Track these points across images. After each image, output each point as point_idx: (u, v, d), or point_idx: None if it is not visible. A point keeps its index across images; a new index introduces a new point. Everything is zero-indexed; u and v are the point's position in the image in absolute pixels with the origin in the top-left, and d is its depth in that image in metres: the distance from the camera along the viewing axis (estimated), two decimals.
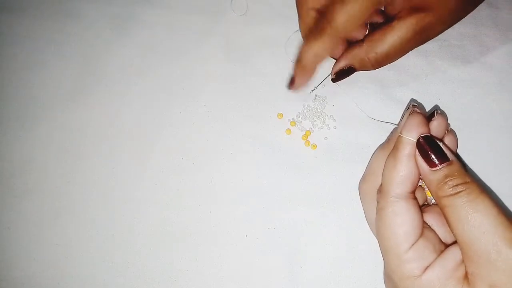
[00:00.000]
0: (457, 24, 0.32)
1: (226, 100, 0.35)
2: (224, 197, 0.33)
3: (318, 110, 0.34)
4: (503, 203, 0.32)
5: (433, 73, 0.35)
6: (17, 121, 0.34)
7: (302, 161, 0.33)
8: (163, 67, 0.36)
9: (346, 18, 0.29)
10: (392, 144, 0.27)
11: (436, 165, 0.25)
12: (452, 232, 0.24)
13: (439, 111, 0.28)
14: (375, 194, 0.27)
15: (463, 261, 0.24)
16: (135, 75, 0.35)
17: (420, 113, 0.27)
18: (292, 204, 0.33)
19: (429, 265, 0.25)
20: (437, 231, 0.27)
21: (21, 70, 0.36)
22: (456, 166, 0.25)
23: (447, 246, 0.26)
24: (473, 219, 0.23)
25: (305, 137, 0.34)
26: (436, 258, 0.25)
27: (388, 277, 0.27)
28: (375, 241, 0.31)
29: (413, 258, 0.25)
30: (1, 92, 0.35)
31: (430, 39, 0.32)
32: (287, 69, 0.35)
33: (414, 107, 0.27)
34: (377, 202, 0.27)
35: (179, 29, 0.36)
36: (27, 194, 0.33)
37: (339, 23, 0.29)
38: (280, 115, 0.34)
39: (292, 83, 0.33)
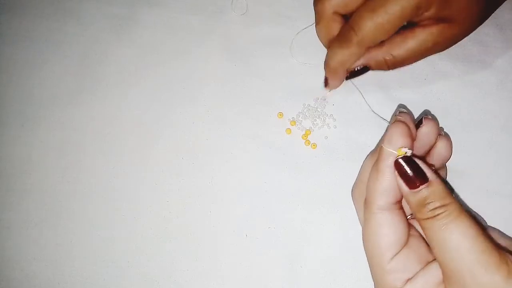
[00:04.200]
0: None
1: (226, 100, 0.35)
2: (224, 197, 0.33)
3: (318, 109, 0.34)
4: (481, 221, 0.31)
5: (433, 73, 0.35)
6: (17, 121, 0.34)
7: (302, 160, 0.33)
8: (163, 67, 0.36)
9: (374, 29, 0.28)
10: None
11: (415, 187, 0.24)
12: (433, 253, 0.24)
13: (429, 117, 0.27)
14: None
15: (443, 281, 0.24)
16: (135, 75, 0.35)
17: (403, 122, 0.25)
18: (292, 204, 0.33)
19: (412, 277, 0.24)
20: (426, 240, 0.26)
21: (21, 69, 0.36)
22: (435, 186, 0.24)
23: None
24: (450, 242, 0.23)
25: (305, 136, 0.34)
26: (419, 271, 0.25)
27: (374, 285, 0.27)
28: None
29: (395, 269, 0.25)
30: (0, 92, 0.35)
31: (448, 48, 0.32)
32: (287, 69, 0.35)
33: (398, 116, 0.26)
34: (364, 212, 0.26)
35: (179, 29, 0.36)
36: (27, 194, 0.33)
37: (367, 34, 0.28)
38: (280, 114, 0.34)
39: (326, 84, 0.33)
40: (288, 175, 0.33)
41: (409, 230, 0.26)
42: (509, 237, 0.27)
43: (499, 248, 0.23)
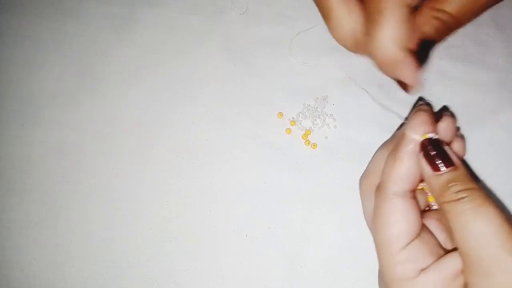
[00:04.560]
0: None
1: (226, 100, 0.35)
2: (224, 197, 0.33)
3: (318, 109, 0.34)
4: (505, 207, 0.32)
5: (433, 73, 0.35)
6: (17, 121, 0.34)
7: (302, 160, 0.33)
8: (163, 67, 0.36)
9: None
10: (395, 141, 0.26)
11: (439, 169, 0.24)
12: (454, 239, 0.23)
13: (447, 113, 0.26)
14: (374, 191, 0.27)
15: (463, 270, 0.23)
16: (134, 75, 0.35)
17: (427, 111, 0.25)
18: (292, 204, 0.33)
19: (425, 268, 0.24)
20: (437, 237, 0.26)
21: (20, 69, 0.36)
22: (460, 171, 0.24)
23: (447, 252, 0.25)
24: (474, 227, 0.22)
25: (305, 136, 0.34)
26: (433, 262, 0.24)
27: (381, 278, 0.26)
28: None
29: (407, 259, 0.24)
30: (0, 92, 0.35)
31: None
32: (287, 69, 0.35)
33: (421, 105, 0.26)
34: (375, 199, 0.26)
35: (179, 29, 0.36)
36: (27, 194, 0.33)
37: None
38: (280, 114, 0.34)
39: (406, 86, 0.26)
40: (288, 175, 0.33)
41: (421, 222, 0.25)
42: None
43: None
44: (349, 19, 0.25)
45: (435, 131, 0.25)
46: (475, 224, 0.22)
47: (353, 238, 0.32)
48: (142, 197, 0.33)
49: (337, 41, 0.26)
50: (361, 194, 0.29)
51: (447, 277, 0.23)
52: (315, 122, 0.34)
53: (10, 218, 0.33)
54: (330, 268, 0.32)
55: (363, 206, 0.28)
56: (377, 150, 0.29)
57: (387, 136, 0.33)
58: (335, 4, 0.25)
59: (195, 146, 0.34)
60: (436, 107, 0.34)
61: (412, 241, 0.24)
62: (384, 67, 0.25)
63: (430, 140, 0.25)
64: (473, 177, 0.24)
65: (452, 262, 0.24)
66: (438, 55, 0.35)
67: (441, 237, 0.26)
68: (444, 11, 0.25)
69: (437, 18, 0.25)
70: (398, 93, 0.35)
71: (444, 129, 0.26)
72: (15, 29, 0.36)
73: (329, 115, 0.34)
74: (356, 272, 0.31)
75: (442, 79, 0.35)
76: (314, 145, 0.34)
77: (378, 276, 0.27)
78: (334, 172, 0.33)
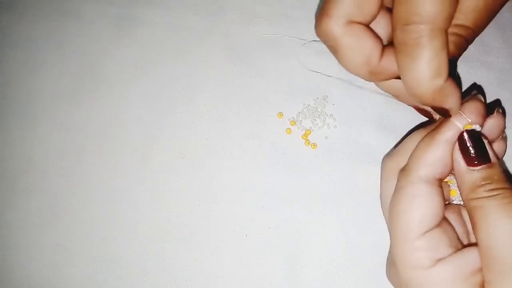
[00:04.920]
0: None
1: (226, 100, 0.35)
2: (224, 196, 0.33)
3: (318, 109, 0.34)
4: None
5: None
6: (17, 120, 0.34)
7: (302, 160, 0.33)
8: (163, 67, 0.36)
9: None
10: (434, 127, 0.24)
11: (475, 165, 0.22)
12: (476, 237, 0.22)
13: (500, 110, 0.24)
14: (397, 173, 0.25)
15: (482, 268, 0.22)
16: (135, 75, 0.35)
17: (481, 101, 0.24)
18: (292, 204, 0.33)
19: (443, 258, 0.22)
20: (457, 230, 0.25)
21: (20, 69, 0.36)
22: (497, 170, 0.23)
23: (464, 247, 0.24)
24: (501, 224, 0.21)
25: (305, 136, 0.34)
26: (451, 254, 0.23)
27: (392, 264, 0.25)
28: (375, 241, 0.31)
29: (424, 246, 0.23)
30: (0, 92, 0.35)
31: None
32: (287, 69, 0.35)
33: (476, 94, 0.24)
34: (398, 180, 0.24)
35: (179, 29, 0.36)
36: (27, 193, 0.33)
37: (435, 8, 0.21)
38: (280, 114, 0.34)
39: (448, 113, 0.24)
40: (288, 175, 0.33)
41: (444, 212, 0.24)
42: None
43: None
44: (359, 49, 0.24)
45: (482, 124, 0.23)
46: (503, 221, 0.21)
47: (353, 238, 0.32)
48: (142, 197, 0.33)
49: (350, 72, 0.25)
50: (382, 174, 0.27)
51: (465, 272, 0.22)
52: (315, 122, 0.34)
53: (10, 218, 0.33)
54: (330, 268, 0.32)
55: (382, 187, 0.27)
56: (412, 133, 0.26)
57: (387, 136, 0.33)
58: (341, 35, 0.24)
59: (195, 146, 0.34)
60: None
61: (432, 229, 0.23)
62: (425, 100, 0.23)
63: (470, 132, 0.23)
64: (507, 177, 0.23)
65: (472, 258, 0.22)
66: None
67: (460, 231, 0.25)
68: (462, 26, 0.24)
69: (456, 34, 0.24)
70: None
71: (491, 126, 0.24)
72: (15, 29, 0.36)
73: (329, 115, 0.34)
74: (356, 272, 0.31)
75: None
76: (314, 145, 0.34)
77: (387, 263, 0.26)
78: (334, 172, 0.33)
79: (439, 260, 0.22)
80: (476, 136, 0.23)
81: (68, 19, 0.37)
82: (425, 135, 0.24)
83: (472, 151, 0.23)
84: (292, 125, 0.34)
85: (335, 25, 0.24)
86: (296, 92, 0.35)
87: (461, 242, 0.24)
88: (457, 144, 0.23)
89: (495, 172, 0.23)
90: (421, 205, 0.23)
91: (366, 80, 0.26)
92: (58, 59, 0.36)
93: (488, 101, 0.34)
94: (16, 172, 0.33)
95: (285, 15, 0.36)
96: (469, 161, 0.23)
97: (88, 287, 0.31)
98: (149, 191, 0.33)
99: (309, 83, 0.35)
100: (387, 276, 0.26)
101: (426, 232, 0.23)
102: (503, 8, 0.36)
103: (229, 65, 0.36)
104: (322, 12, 0.24)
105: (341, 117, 0.34)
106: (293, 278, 0.31)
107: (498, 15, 0.36)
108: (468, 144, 0.23)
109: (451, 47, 0.24)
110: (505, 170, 0.23)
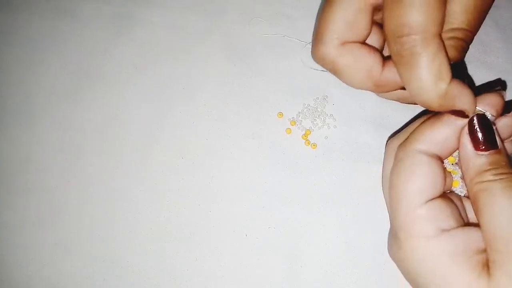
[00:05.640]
0: None
1: (226, 100, 0.35)
2: (224, 196, 0.33)
3: (318, 109, 0.34)
4: None
5: None
6: (16, 120, 0.34)
7: (302, 160, 0.33)
8: (162, 67, 0.36)
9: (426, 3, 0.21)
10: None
11: (482, 149, 0.22)
12: (480, 220, 0.22)
13: None
14: None
15: (485, 250, 0.22)
16: (134, 75, 0.35)
17: (501, 97, 0.24)
18: (292, 204, 0.33)
19: (448, 229, 0.22)
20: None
21: (19, 68, 0.35)
22: (503, 156, 0.23)
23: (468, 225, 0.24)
24: (506, 205, 0.21)
25: (305, 136, 0.34)
26: (457, 228, 0.22)
27: (393, 236, 0.24)
28: (375, 241, 0.31)
29: (427, 215, 0.22)
30: None
31: None
32: (287, 69, 0.35)
33: (499, 89, 0.24)
34: (396, 154, 0.24)
35: (179, 28, 0.36)
36: (26, 193, 0.33)
37: (425, 16, 0.21)
38: (280, 114, 0.34)
39: (463, 115, 0.23)
40: (288, 175, 0.33)
41: (444, 184, 0.24)
42: None
43: None
44: (358, 65, 0.25)
45: (497, 116, 0.24)
46: (507, 202, 0.21)
47: (353, 238, 0.32)
48: (142, 197, 0.33)
49: (356, 88, 0.26)
50: (385, 153, 0.27)
51: (469, 247, 0.22)
52: (315, 122, 0.34)
53: (9, 217, 0.32)
54: (330, 268, 0.32)
55: (384, 166, 0.26)
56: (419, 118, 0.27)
57: (387, 136, 0.33)
58: (336, 57, 0.25)
59: (195, 146, 0.34)
60: None
61: (434, 198, 0.23)
62: (434, 106, 0.23)
63: (481, 116, 0.23)
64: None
65: (477, 236, 0.22)
66: None
67: (463, 215, 0.25)
68: (457, 29, 0.24)
69: (454, 38, 0.24)
70: None
71: (504, 125, 0.24)
72: (13, 28, 0.36)
73: (329, 115, 0.34)
74: (356, 272, 0.31)
75: None
76: (314, 145, 0.34)
77: (388, 237, 0.26)
78: (334, 172, 0.33)
79: (443, 231, 0.22)
80: (486, 122, 0.23)
81: (65, 17, 0.37)
82: (433, 116, 0.24)
83: (481, 136, 0.23)
84: (292, 125, 0.34)
85: (329, 48, 0.25)
86: (296, 92, 0.35)
87: (464, 220, 0.24)
88: (466, 128, 0.23)
89: (502, 158, 0.23)
90: (420, 174, 0.23)
91: (374, 92, 0.26)
92: (56, 58, 0.36)
93: None
94: (15, 172, 0.33)
95: (285, 15, 0.36)
96: (477, 145, 0.23)
97: (88, 287, 0.31)
98: (149, 191, 0.33)
99: (309, 83, 0.35)
100: (389, 253, 0.26)
101: (428, 201, 0.23)
102: (503, 8, 0.36)
103: (229, 65, 0.36)
104: (315, 38, 0.25)
105: (341, 117, 0.34)
106: (293, 278, 0.31)
107: (498, 15, 0.36)
108: (478, 129, 0.23)
109: (452, 51, 0.24)
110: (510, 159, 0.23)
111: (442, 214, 0.23)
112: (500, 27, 0.36)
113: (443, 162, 0.25)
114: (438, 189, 0.23)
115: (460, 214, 0.24)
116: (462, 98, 0.23)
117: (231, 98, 0.35)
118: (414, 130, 0.24)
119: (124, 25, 0.37)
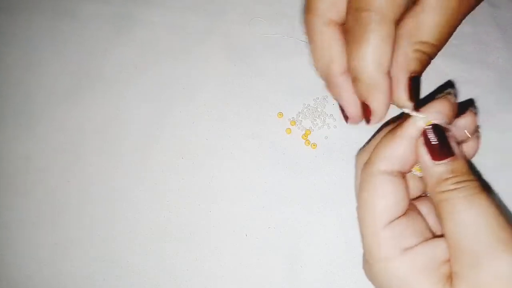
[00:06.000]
0: None
1: (226, 100, 0.35)
2: (224, 196, 0.33)
3: (318, 109, 0.34)
4: (505, 205, 0.31)
5: (433, 73, 0.35)
6: (16, 120, 0.34)
7: (302, 160, 0.33)
8: (162, 67, 0.36)
9: None
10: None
11: (439, 158, 0.23)
12: (443, 229, 0.22)
13: (473, 110, 0.25)
14: None
15: (450, 260, 0.22)
16: (134, 75, 0.35)
17: (451, 102, 0.24)
18: (292, 204, 0.33)
19: (410, 248, 0.23)
20: (428, 221, 0.25)
21: (19, 68, 0.35)
22: (461, 162, 0.23)
23: (436, 237, 0.24)
24: (467, 215, 0.21)
25: (305, 136, 0.34)
26: (419, 244, 0.23)
27: (366, 261, 0.25)
28: None
29: (391, 236, 0.23)
30: None
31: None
32: (287, 69, 0.35)
33: (449, 95, 0.24)
34: (360, 174, 0.25)
35: (179, 28, 0.36)
36: (26, 193, 0.33)
37: (384, 4, 0.22)
38: (280, 114, 0.34)
39: (368, 115, 0.25)
40: (288, 175, 0.33)
41: (408, 201, 0.24)
42: None
43: None
44: (326, 52, 0.25)
45: (449, 122, 0.24)
46: (469, 212, 0.21)
47: (353, 238, 0.32)
48: (142, 197, 0.33)
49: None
50: (355, 167, 0.27)
51: (432, 261, 0.22)
52: (315, 122, 0.34)
53: (9, 217, 0.33)
54: (330, 268, 0.32)
55: (355, 183, 0.27)
56: (381, 129, 0.27)
57: None
58: (319, 32, 0.25)
59: (195, 146, 0.34)
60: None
61: (397, 218, 0.23)
62: (358, 87, 0.24)
63: (434, 126, 0.23)
64: (472, 170, 0.23)
65: (441, 248, 0.23)
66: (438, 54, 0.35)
67: (432, 222, 0.25)
68: (425, 42, 0.25)
69: (420, 51, 0.25)
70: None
71: (462, 125, 0.25)
72: (13, 28, 0.36)
73: (329, 115, 0.34)
74: (356, 272, 0.31)
75: (441, 79, 0.35)
76: (314, 145, 0.34)
77: (363, 261, 0.26)
78: (334, 172, 0.33)
79: (406, 249, 0.23)
80: (439, 131, 0.23)
81: (65, 17, 0.37)
82: (388, 131, 0.25)
83: (435, 145, 0.23)
84: (292, 125, 0.34)
85: (317, 21, 0.25)
86: (296, 92, 0.35)
87: (432, 233, 0.24)
88: (421, 138, 0.23)
89: (460, 164, 0.23)
90: (382, 195, 0.23)
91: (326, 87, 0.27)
92: (56, 58, 0.36)
93: (488, 101, 0.34)
94: (14, 172, 0.33)
95: (285, 15, 0.36)
96: (434, 155, 0.23)
97: (88, 287, 0.31)
98: (149, 191, 0.33)
99: (309, 83, 0.35)
100: (364, 271, 0.26)
101: (391, 221, 0.23)
102: (504, 8, 0.36)
103: (229, 65, 0.36)
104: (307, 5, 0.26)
105: (341, 117, 0.34)
106: (293, 278, 0.31)
107: (498, 15, 0.36)
108: (431, 138, 0.23)
109: (415, 63, 0.25)
110: (469, 163, 0.24)
111: (405, 232, 0.23)
112: (501, 27, 0.36)
113: (405, 177, 0.25)
114: (401, 207, 0.24)
115: (428, 228, 0.24)
116: (379, 95, 0.24)
117: (231, 98, 0.35)
118: (374, 150, 0.25)
119: (124, 25, 0.37)
